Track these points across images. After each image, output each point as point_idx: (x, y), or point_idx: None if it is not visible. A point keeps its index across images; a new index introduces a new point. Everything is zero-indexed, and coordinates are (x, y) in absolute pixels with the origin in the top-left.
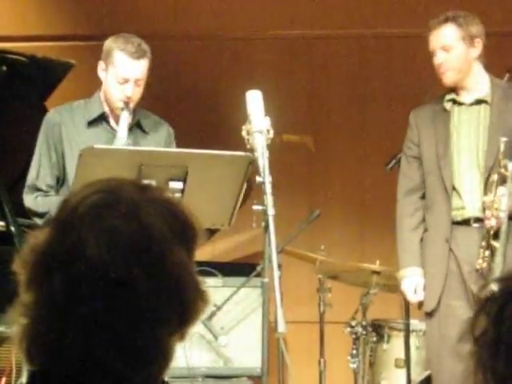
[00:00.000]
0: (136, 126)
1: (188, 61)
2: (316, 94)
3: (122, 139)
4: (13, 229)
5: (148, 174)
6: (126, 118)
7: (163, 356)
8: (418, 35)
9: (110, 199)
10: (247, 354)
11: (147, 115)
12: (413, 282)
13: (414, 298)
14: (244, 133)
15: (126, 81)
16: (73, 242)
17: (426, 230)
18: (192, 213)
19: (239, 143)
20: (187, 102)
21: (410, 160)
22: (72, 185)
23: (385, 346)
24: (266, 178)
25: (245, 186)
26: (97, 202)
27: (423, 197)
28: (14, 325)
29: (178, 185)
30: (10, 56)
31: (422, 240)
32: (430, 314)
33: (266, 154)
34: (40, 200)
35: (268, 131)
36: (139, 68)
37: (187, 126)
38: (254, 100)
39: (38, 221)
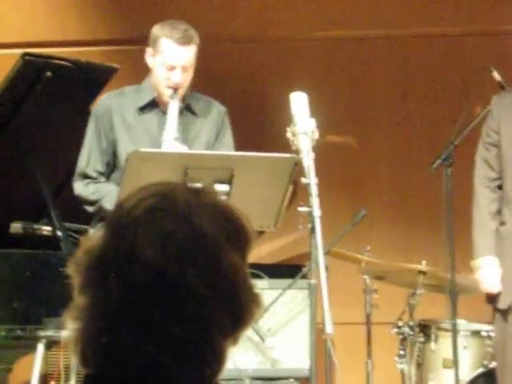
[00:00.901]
0: (186, 110)
1: (232, 63)
2: (359, 94)
3: (171, 134)
4: (59, 233)
5: (194, 176)
6: (175, 110)
7: (217, 359)
8: (459, 34)
9: (164, 203)
10: (294, 356)
11: (198, 97)
12: (491, 272)
13: (493, 287)
14: (289, 134)
15: (173, 68)
16: (128, 245)
17: (502, 224)
18: (245, 216)
19: (284, 145)
20: (232, 105)
21: (488, 147)
22: (120, 188)
23: (432, 346)
24: (311, 179)
25: (291, 187)
26: (151, 206)
27: (500, 187)
28: (68, 328)
29: (224, 187)
30: (54, 61)
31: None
32: (503, 312)
33: (312, 155)
34: (91, 187)
35: (313, 132)
36: (186, 54)
37: (233, 128)
38: (299, 102)
39: (89, 208)
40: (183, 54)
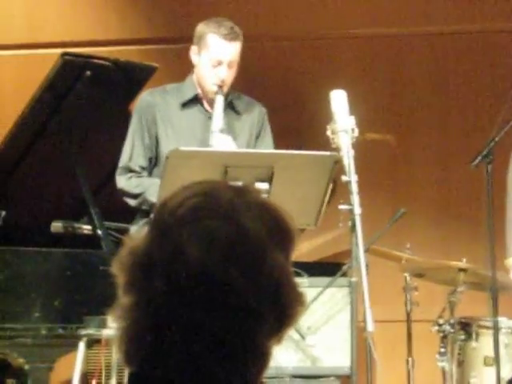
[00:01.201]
0: (229, 108)
1: (272, 61)
2: (398, 91)
3: (217, 126)
4: (100, 232)
5: (234, 174)
6: (220, 103)
7: (261, 359)
8: (498, 30)
9: (208, 202)
10: (334, 354)
11: (239, 96)
12: None
13: None
14: (329, 132)
15: (220, 63)
16: (173, 244)
17: None
18: (289, 215)
19: (324, 143)
20: (272, 103)
21: None
22: (160, 187)
23: (473, 344)
24: (352, 177)
25: (331, 185)
26: (196, 205)
27: None
28: (110, 327)
29: (264, 185)
30: (94, 61)
31: None
32: None
33: (352, 152)
34: (134, 181)
35: (353, 130)
36: (232, 50)
37: (273, 126)
38: (339, 99)
39: (131, 202)
40: (230, 49)
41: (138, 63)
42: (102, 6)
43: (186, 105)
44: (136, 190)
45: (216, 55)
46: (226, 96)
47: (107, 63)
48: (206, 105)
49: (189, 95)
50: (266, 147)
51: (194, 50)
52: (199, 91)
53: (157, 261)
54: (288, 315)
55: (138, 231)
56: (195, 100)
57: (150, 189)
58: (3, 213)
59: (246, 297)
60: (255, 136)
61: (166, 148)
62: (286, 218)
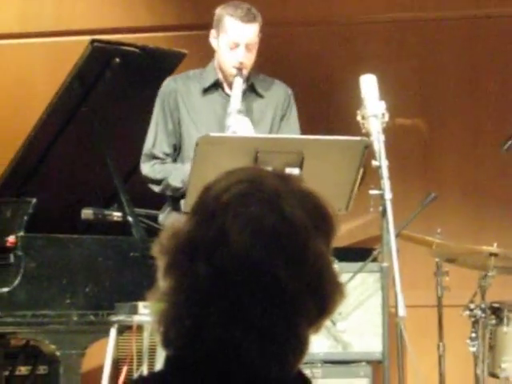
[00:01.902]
0: (250, 90)
1: (301, 46)
2: (427, 76)
3: (235, 107)
4: (130, 219)
5: (264, 160)
6: (239, 85)
7: (300, 347)
8: None
9: (253, 189)
10: (365, 339)
11: (262, 78)
12: None
13: None
14: (359, 117)
15: (237, 45)
16: (217, 229)
17: None
18: (330, 204)
19: (354, 128)
20: (302, 88)
21: None
22: (190, 173)
23: (505, 328)
24: (382, 162)
25: (361, 170)
26: (241, 191)
27: None
28: (142, 313)
29: (295, 171)
30: (123, 48)
31: None
32: None
33: (382, 138)
34: (157, 167)
35: (383, 115)
36: (249, 32)
37: (301, 112)
38: (369, 84)
39: (155, 188)
40: (247, 31)
41: (166, 50)
42: None
43: (207, 90)
44: (159, 176)
45: (233, 37)
46: (248, 79)
47: (136, 50)
48: (226, 89)
49: (210, 80)
50: (292, 128)
51: (212, 33)
52: (220, 76)
53: (200, 245)
54: (328, 304)
55: (165, 218)
56: (216, 85)
57: (173, 174)
58: (34, 200)
59: (287, 285)
60: (280, 117)
61: (188, 134)
62: (328, 207)
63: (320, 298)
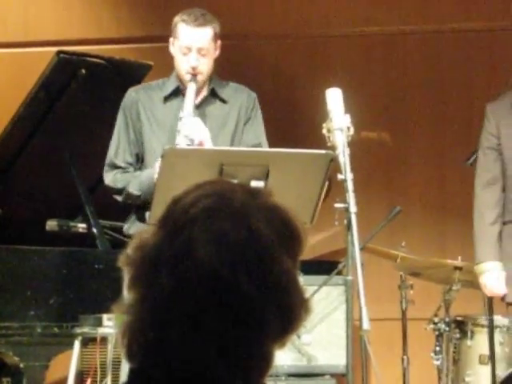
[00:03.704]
0: (212, 95)
1: (266, 59)
2: (394, 90)
3: (187, 111)
4: (95, 230)
5: (229, 173)
6: (192, 90)
7: (264, 362)
8: (499, 28)
9: (221, 203)
10: (330, 352)
11: (224, 84)
12: (495, 276)
13: (498, 290)
14: (324, 130)
15: (190, 50)
16: (183, 242)
17: (504, 223)
18: (299, 220)
19: (318, 141)
20: (267, 101)
21: (487, 152)
22: (156, 185)
23: (469, 342)
24: (347, 175)
25: (327, 183)
26: (209, 205)
27: (503, 189)
28: (106, 325)
29: (260, 184)
30: (88, 59)
31: (500, 233)
32: None
33: (347, 151)
34: (119, 176)
35: (348, 128)
36: (201, 36)
37: (266, 124)
38: (335, 97)
39: (118, 197)
40: (198, 35)
41: (133, 61)
42: (96, 5)
43: (168, 98)
44: (119, 185)
45: (184, 42)
46: (208, 84)
47: (102, 61)
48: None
49: (171, 88)
50: (256, 132)
51: (170, 41)
52: (180, 83)
53: (166, 257)
54: (293, 320)
55: (129, 227)
56: (177, 92)
57: (131, 182)
58: None
59: (252, 300)
60: (244, 121)
61: (149, 143)
62: (297, 223)
63: (285, 314)
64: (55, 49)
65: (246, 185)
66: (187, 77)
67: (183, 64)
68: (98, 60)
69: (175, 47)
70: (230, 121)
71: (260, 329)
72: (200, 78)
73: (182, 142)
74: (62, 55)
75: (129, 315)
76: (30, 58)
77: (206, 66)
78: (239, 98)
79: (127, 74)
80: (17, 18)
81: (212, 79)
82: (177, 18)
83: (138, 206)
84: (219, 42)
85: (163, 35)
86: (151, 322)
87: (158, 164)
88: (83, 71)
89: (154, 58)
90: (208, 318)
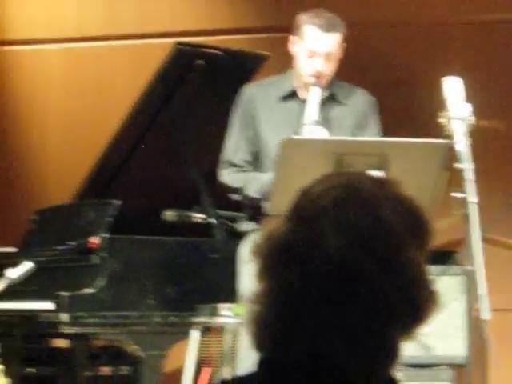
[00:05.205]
0: (331, 99)
1: (383, 48)
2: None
3: (311, 118)
4: (212, 221)
5: (348, 163)
6: (316, 95)
7: (390, 354)
8: None
9: (349, 194)
10: (448, 343)
11: (343, 86)
12: None
13: None
14: (441, 119)
15: (315, 54)
16: (313, 233)
17: None
18: (427, 210)
19: (435, 130)
20: (383, 91)
21: None
22: (274, 175)
23: None
24: (467, 164)
25: (447, 173)
26: (338, 196)
27: None
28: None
29: (379, 174)
30: (206, 50)
31: None
32: None
33: (467, 140)
34: (235, 175)
35: (469, 117)
36: (329, 41)
37: (384, 114)
38: (453, 86)
39: (234, 196)
40: (326, 40)
41: (249, 52)
42: None
43: (285, 98)
44: (236, 185)
45: (311, 46)
46: (328, 88)
47: (219, 52)
48: (303, 96)
49: (288, 88)
50: (372, 136)
51: (292, 40)
52: (298, 83)
53: (295, 248)
54: (421, 313)
55: (240, 225)
56: (294, 93)
57: (250, 184)
58: (119, 202)
59: (380, 290)
60: (361, 125)
61: (266, 142)
62: (425, 213)
63: (413, 306)
64: (171, 40)
65: (373, 176)
66: (310, 79)
67: (307, 66)
68: (215, 51)
69: (299, 47)
70: (346, 123)
71: (388, 320)
72: (323, 81)
73: None
74: (180, 46)
75: (258, 305)
76: (146, 50)
77: (330, 71)
78: (358, 101)
79: (244, 65)
80: (133, 11)
81: (332, 82)
82: (302, 19)
83: (251, 206)
84: (345, 45)
85: (278, 26)
86: (281, 312)
87: None
88: (201, 62)
89: (268, 49)
90: (335, 308)
